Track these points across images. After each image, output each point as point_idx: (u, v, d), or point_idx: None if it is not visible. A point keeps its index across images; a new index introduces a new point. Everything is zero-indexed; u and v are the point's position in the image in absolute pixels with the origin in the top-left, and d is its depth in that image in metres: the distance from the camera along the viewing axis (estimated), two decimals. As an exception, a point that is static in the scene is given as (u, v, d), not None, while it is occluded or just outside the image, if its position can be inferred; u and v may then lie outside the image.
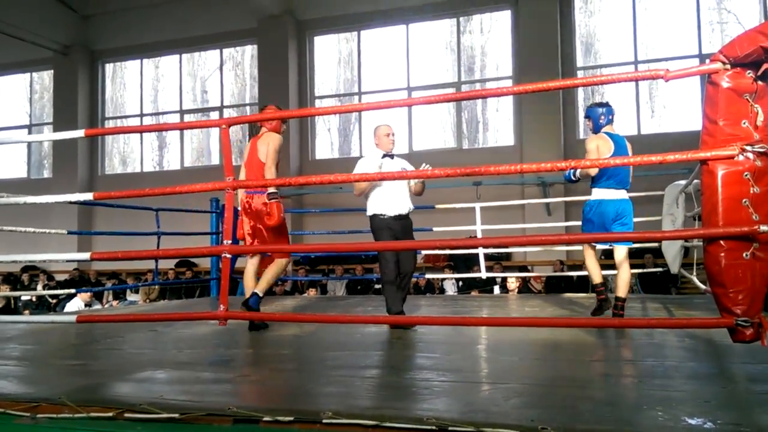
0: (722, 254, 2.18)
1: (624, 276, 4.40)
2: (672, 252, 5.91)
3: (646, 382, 2.50)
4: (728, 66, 2.22)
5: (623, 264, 4.44)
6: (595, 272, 4.54)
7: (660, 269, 7.02)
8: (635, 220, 6.85)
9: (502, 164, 2.90)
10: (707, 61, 2.30)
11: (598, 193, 4.44)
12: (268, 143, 4.73)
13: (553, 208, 11.22)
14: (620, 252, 4.45)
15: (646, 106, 11.91)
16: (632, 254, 10.28)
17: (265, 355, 3.57)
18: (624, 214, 4.41)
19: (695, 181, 4.74)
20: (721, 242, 2.18)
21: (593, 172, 4.40)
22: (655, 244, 6.80)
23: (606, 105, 4.58)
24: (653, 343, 3.51)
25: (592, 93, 12.23)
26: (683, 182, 5.32)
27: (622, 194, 4.44)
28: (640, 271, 8.07)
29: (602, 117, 4.51)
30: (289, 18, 13.38)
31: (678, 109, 11.56)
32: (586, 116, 4.65)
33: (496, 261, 10.53)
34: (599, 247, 4.84)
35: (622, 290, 4.36)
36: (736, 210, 2.18)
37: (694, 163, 2.68)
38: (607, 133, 4.48)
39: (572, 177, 4.51)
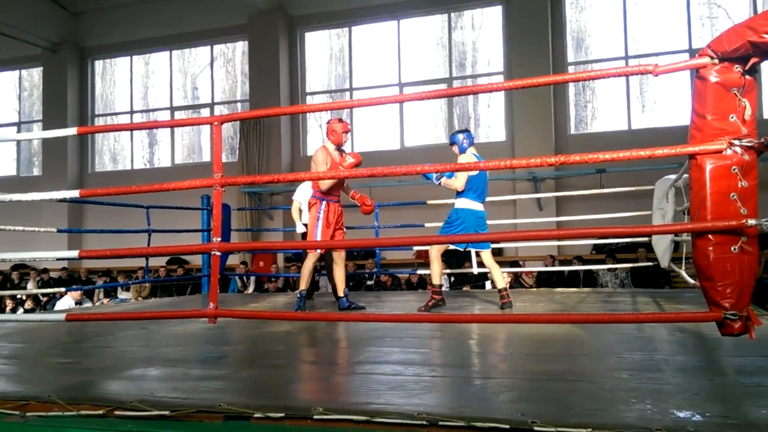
0: (711, 248, 2.19)
1: (496, 272, 5.09)
2: (662, 246, 5.93)
3: (636, 376, 2.52)
4: (716, 60, 2.22)
5: (491, 264, 5.13)
6: (438, 273, 5.12)
7: (651, 264, 7.05)
8: (624, 214, 6.92)
9: (492, 160, 2.90)
10: (696, 55, 2.31)
11: (464, 203, 5.09)
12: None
13: (545, 203, 11.26)
14: (486, 255, 5.18)
15: (636, 101, 11.97)
16: (624, 249, 10.41)
17: (256, 352, 3.56)
18: (483, 223, 5.14)
19: (685, 175, 4.76)
20: (710, 236, 2.19)
21: (460, 186, 5.04)
22: (647, 239, 6.82)
23: (466, 130, 5.23)
24: (643, 336, 3.53)
25: (583, 88, 12.27)
26: (673, 177, 5.33)
27: (480, 206, 5.15)
28: (631, 265, 8.11)
29: (464, 140, 5.12)
30: (279, 14, 13.35)
31: (668, 104, 11.61)
32: (451, 143, 5.23)
33: (488, 256, 10.54)
34: (452, 247, 5.42)
35: (500, 283, 5.05)
36: (724, 204, 2.19)
37: (684, 157, 2.69)
38: (472, 153, 5.11)
39: (435, 180, 5.08)
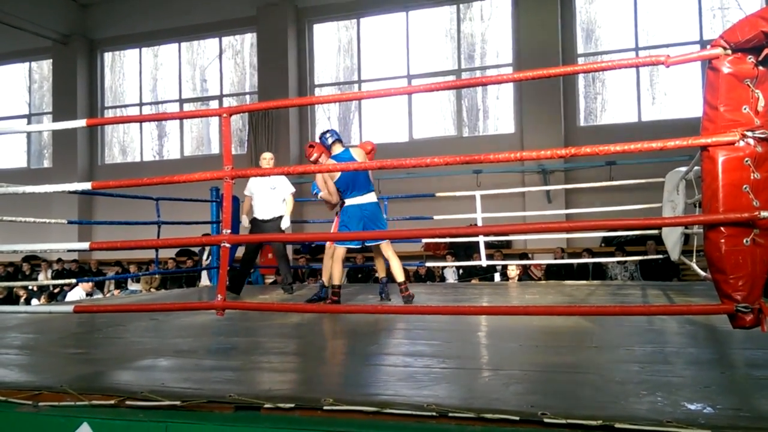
0: (722, 240, 2.18)
1: (395, 264, 5.11)
2: (672, 239, 5.90)
3: (646, 368, 2.51)
4: (729, 51, 2.20)
5: (390, 256, 5.15)
6: (339, 275, 5.11)
7: (661, 257, 7.01)
8: (634, 207, 6.87)
9: (501, 152, 2.89)
10: (708, 46, 2.28)
11: (349, 201, 5.09)
12: None
13: (554, 195, 11.22)
14: (384, 247, 5.20)
15: (646, 93, 11.88)
16: (634, 242, 10.37)
17: (266, 344, 3.58)
18: (372, 213, 5.08)
19: (696, 167, 4.73)
20: (722, 228, 2.18)
21: (332, 196, 5.14)
22: (656, 232, 6.78)
23: (328, 131, 5.27)
24: (653, 329, 3.52)
25: (593, 80, 12.19)
26: (684, 169, 5.30)
27: (369, 198, 5.10)
28: (640, 258, 8.07)
29: (330, 137, 5.17)
30: (288, 6, 13.31)
31: (679, 96, 11.52)
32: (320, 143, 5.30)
33: (496, 249, 10.53)
34: (351, 246, 5.45)
35: (399, 276, 5.09)
36: (736, 196, 2.17)
37: (694, 149, 2.67)
38: (333, 156, 5.12)
39: (317, 197, 5.36)
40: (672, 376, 2.39)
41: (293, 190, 6.40)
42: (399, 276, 5.10)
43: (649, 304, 4.69)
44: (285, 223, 6.22)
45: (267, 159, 6.27)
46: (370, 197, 5.14)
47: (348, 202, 5.12)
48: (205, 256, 9.82)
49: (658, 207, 6.37)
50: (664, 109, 11.69)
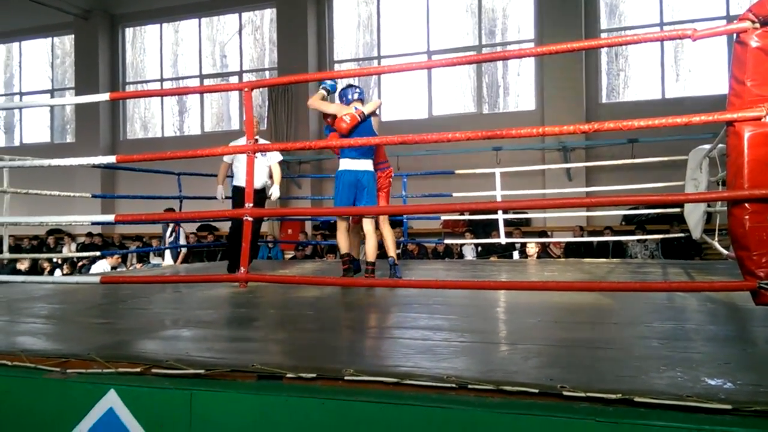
0: (747, 217, 2.16)
1: (370, 244, 4.93)
2: (695, 217, 5.85)
3: (666, 344, 2.51)
4: (757, 25, 2.16)
5: (370, 234, 4.97)
6: (344, 244, 5.04)
7: (682, 235, 6.95)
8: (657, 185, 6.80)
9: (522, 128, 2.87)
10: (736, 20, 2.24)
11: (343, 164, 4.86)
12: None
13: (574, 173, 11.13)
14: (367, 224, 4.99)
15: (670, 69, 11.68)
16: (654, 220, 10.27)
17: (287, 315, 3.62)
18: (366, 183, 4.84)
19: (720, 145, 4.67)
20: (746, 205, 2.16)
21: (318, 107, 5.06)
22: (678, 211, 6.71)
23: (358, 87, 5.06)
24: (673, 306, 3.51)
25: (616, 56, 12.01)
26: (707, 146, 5.23)
27: (366, 165, 4.86)
28: (661, 236, 8.00)
29: (353, 93, 4.99)
30: (308, -20, 13.23)
31: (704, 73, 11.31)
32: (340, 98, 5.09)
33: (515, 227, 10.50)
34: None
35: (370, 256, 4.89)
36: (762, 172, 2.15)
37: (719, 126, 2.63)
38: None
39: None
40: (692, 352, 2.39)
41: (281, 158, 6.03)
42: (372, 257, 4.91)
43: (669, 281, 4.66)
44: (276, 193, 5.82)
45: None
46: (368, 164, 4.87)
47: (343, 163, 4.85)
48: (168, 234, 9.47)
49: (680, 185, 6.31)
50: (689, 86, 11.50)
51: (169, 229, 9.37)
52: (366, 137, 4.56)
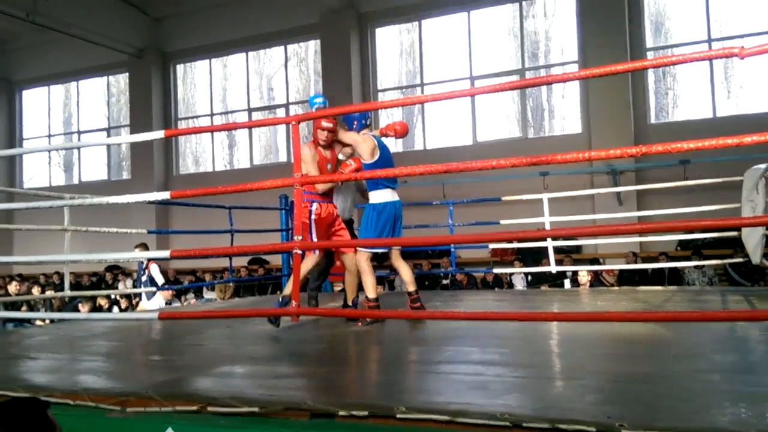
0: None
1: (406, 273, 4.76)
2: (753, 241, 5.64)
3: (728, 378, 2.42)
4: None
5: (400, 264, 4.82)
6: (372, 285, 4.63)
7: (742, 260, 6.69)
8: (711, 207, 6.60)
9: (569, 152, 2.84)
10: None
11: (382, 196, 4.61)
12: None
13: (625, 197, 10.90)
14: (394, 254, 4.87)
15: (721, 86, 11.39)
16: (712, 245, 9.93)
17: (337, 350, 3.64)
18: (401, 214, 4.72)
19: (778, 165, 4.53)
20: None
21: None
22: (736, 234, 6.48)
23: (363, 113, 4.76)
24: (735, 337, 3.39)
25: (663, 75, 11.80)
26: (764, 166, 5.07)
27: (397, 195, 4.68)
28: (717, 261, 7.71)
29: (355, 122, 4.67)
30: (350, 11, 13.48)
31: (757, 90, 11.00)
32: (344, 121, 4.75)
33: (566, 254, 10.30)
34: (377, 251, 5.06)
35: (411, 286, 4.70)
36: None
37: (776, 148, 2.56)
38: (374, 137, 4.64)
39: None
40: (756, 386, 2.30)
41: None
42: (412, 286, 4.73)
43: (729, 309, 4.51)
44: None
45: None
46: (397, 194, 4.70)
47: (380, 196, 4.61)
48: (142, 272, 8.29)
49: (737, 207, 6.10)
50: (741, 103, 11.18)
51: (144, 265, 8.16)
52: (401, 167, 4.50)
